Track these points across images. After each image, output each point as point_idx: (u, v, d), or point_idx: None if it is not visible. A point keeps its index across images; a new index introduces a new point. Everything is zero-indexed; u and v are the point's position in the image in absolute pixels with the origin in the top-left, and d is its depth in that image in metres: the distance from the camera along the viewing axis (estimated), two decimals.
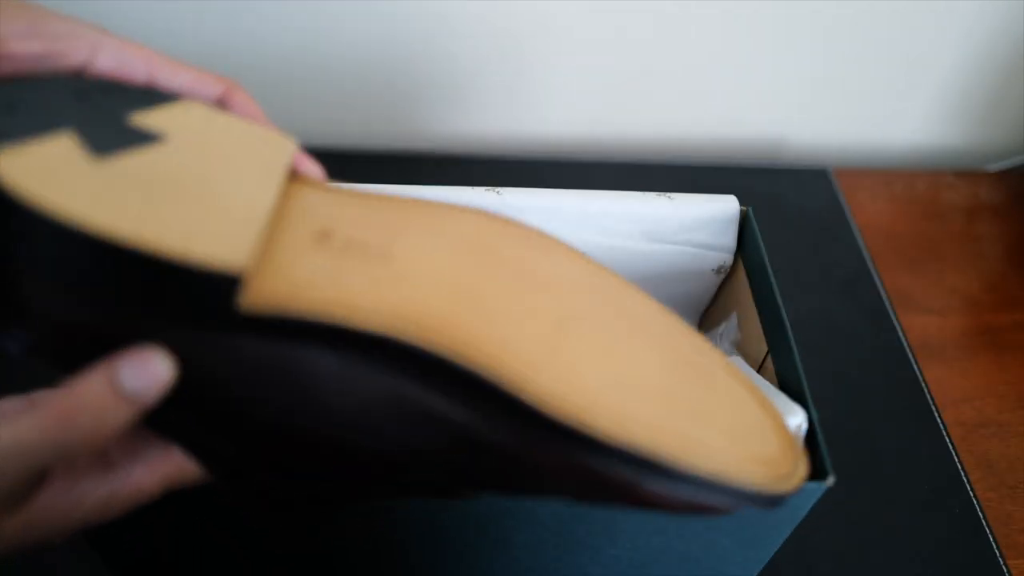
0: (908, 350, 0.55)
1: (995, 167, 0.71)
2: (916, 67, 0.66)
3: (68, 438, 0.22)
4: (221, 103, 0.30)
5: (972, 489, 0.48)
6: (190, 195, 0.25)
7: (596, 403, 0.25)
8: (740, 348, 0.46)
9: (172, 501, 0.27)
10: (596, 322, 0.28)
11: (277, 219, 0.26)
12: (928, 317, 0.58)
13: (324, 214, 0.28)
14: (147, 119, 0.26)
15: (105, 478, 0.25)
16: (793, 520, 0.36)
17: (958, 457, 0.49)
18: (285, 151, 0.28)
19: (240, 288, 0.23)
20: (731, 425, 0.28)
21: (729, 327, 0.48)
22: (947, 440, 0.50)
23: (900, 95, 0.68)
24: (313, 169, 0.30)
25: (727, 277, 0.49)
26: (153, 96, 0.28)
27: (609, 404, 0.25)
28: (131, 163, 0.25)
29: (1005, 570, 0.44)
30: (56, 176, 0.23)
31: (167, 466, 0.25)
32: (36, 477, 0.23)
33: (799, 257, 0.60)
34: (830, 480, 0.33)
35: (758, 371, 0.42)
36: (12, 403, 0.26)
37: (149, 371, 0.23)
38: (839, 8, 0.62)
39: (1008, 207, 0.67)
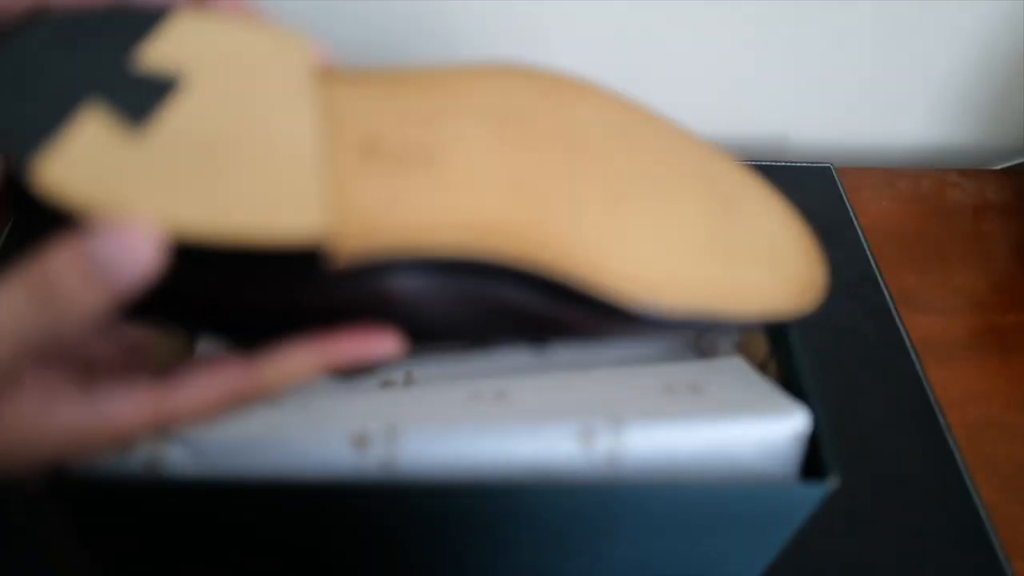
0: (912, 350, 0.55)
1: (1001, 165, 0.70)
2: (920, 65, 0.66)
3: (41, 321, 0.19)
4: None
5: (977, 491, 0.48)
6: (238, 154, 0.23)
7: (659, 278, 0.28)
8: (742, 348, 0.46)
9: (171, 502, 0.27)
10: (639, 174, 0.31)
11: (324, 146, 0.25)
12: (932, 317, 0.58)
13: (359, 119, 0.27)
14: (152, 57, 0.24)
15: (85, 401, 0.22)
16: (795, 521, 0.36)
17: (963, 459, 0.49)
18: (300, 55, 0.27)
19: (323, 250, 0.23)
20: (769, 254, 0.31)
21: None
22: (951, 441, 0.50)
23: (904, 93, 0.68)
24: (323, 53, 0.27)
25: None
26: (135, 22, 0.25)
27: (669, 272, 0.28)
28: (167, 130, 0.23)
29: (1010, 572, 0.44)
30: (106, 174, 0.21)
31: (157, 402, 0.23)
32: (20, 356, 0.20)
33: None
34: (833, 481, 0.33)
35: (761, 371, 0.42)
36: None
37: (127, 249, 0.19)
38: (843, 6, 0.62)
39: (1014, 206, 0.67)
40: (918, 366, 0.54)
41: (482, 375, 0.39)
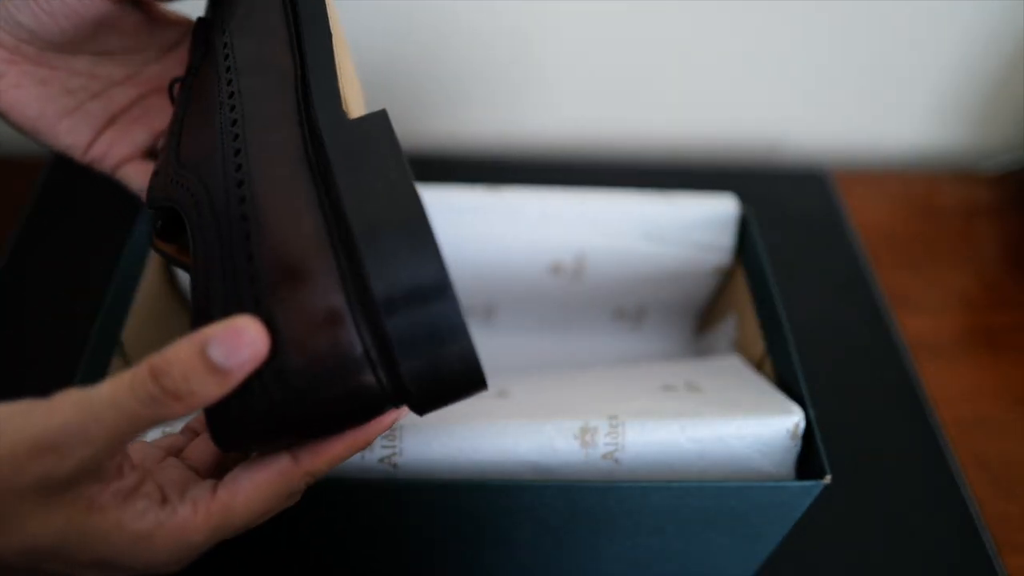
0: (905, 350, 0.55)
1: (992, 168, 0.71)
2: (914, 68, 0.67)
3: (153, 395, 0.22)
4: None
5: (968, 488, 0.48)
6: None
7: None
8: (739, 347, 0.46)
9: None
10: None
11: None
12: (925, 317, 0.59)
13: None
14: None
15: (155, 507, 0.24)
16: (791, 518, 0.36)
17: (954, 456, 0.50)
18: None
19: None
20: None
21: (728, 327, 0.49)
22: (943, 439, 0.50)
23: (898, 96, 0.69)
24: None
25: (726, 277, 0.50)
26: None
27: None
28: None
29: (1001, 568, 0.44)
30: None
31: (211, 505, 0.25)
32: (118, 447, 0.23)
33: (797, 258, 0.61)
34: (827, 478, 0.34)
35: (757, 370, 0.42)
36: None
37: (241, 342, 0.22)
38: (837, 10, 0.62)
39: (1005, 209, 0.68)
40: (910, 365, 0.54)
41: None
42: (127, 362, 0.40)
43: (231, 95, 0.29)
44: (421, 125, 0.68)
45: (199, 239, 0.26)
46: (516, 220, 0.46)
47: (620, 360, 0.53)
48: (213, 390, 0.22)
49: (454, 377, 0.24)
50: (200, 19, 0.34)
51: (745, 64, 0.65)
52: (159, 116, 0.36)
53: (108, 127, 0.35)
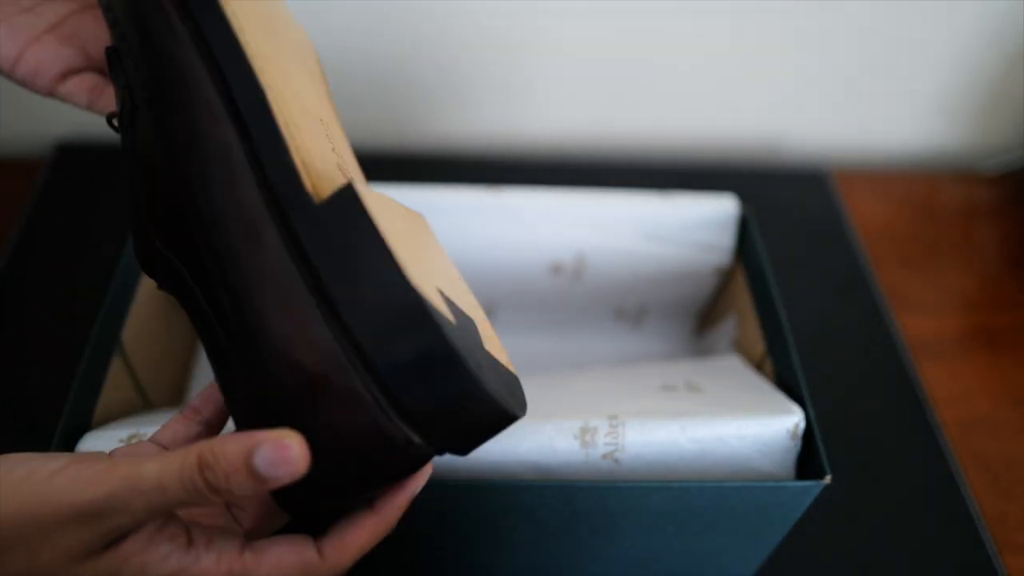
0: (905, 350, 0.55)
1: (992, 168, 0.71)
2: (914, 68, 0.67)
3: (197, 487, 0.23)
4: None
5: (968, 488, 0.48)
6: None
7: None
8: (739, 347, 0.46)
9: None
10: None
11: None
12: (925, 317, 0.59)
13: None
14: None
15: (180, 551, 0.25)
16: (791, 518, 0.36)
17: (954, 456, 0.50)
18: None
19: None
20: None
21: (728, 327, 0.49)
22: (943, 439, 0.50)
23: (898, 96, 0.69)
24: None
25: (726, 277, 0.50)
26: None
27: None
28: None
29: (1001, 568, 0.44)
30: None
31: (234, 564, 0.26)
32: (153, 518, 0.24)
33: (797, 257, 0.61)
34: (827, 478, 0.34)
35: (757, 370, 0.42)
36: (149, 447, 0.30)
37: (284, 458, 0.23)
38: (837, 10, 0.62)
39: (1005, 209, 0.68)
40: (910, 365, 0.54)
41: None
42: (127, 362, 0.40)
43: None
44: (422, 125, 0.68)
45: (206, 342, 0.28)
46: (516, 220, 0.46)
47: (620, 360, 0.53)
48: (247, 491, 0.24)
49: (486, 424, 0.26)
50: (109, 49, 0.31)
51: (745, 64, 0.65)
52: (91, 34, 0.35)
53: (35, 42, 0.35)
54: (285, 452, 0.23)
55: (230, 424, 0.32)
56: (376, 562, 0.39)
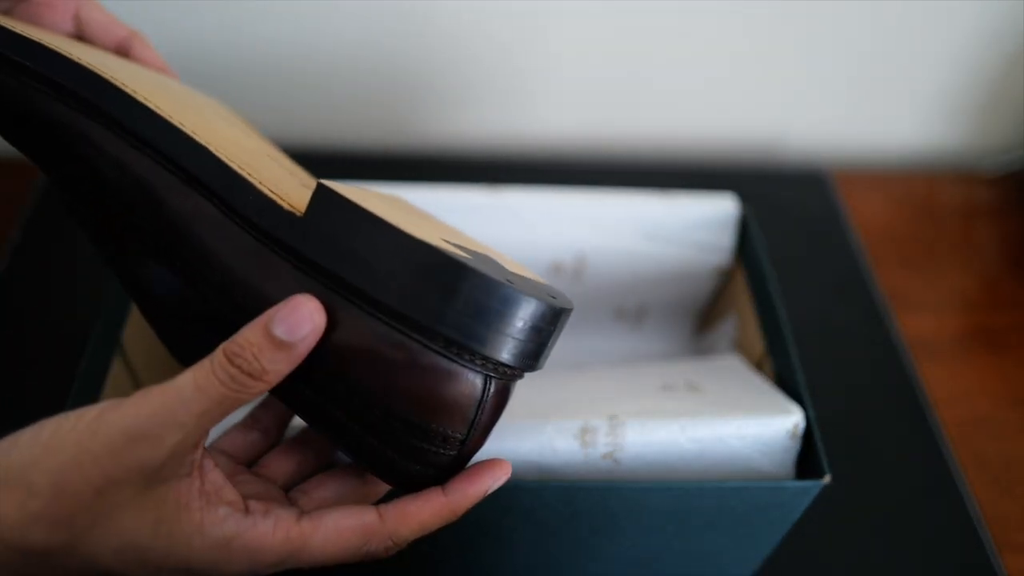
0: (905, 350, 0.55)
1: (992, 168, 0.71)
2: (914, 68, 0.67)
3: (233, 375, 0.24)
4: (121, 49, 0.33)
5: (968, 487, 0.48)
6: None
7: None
8: (739, 347, 0.46)
9: None
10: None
11: None
12: (925, 317, 0.59)
13: None
14: None
15: (238, 515, 0.25)
16: (791, 518, 0.36)
17: (954, 456, 0.50)
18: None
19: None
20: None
21: (728, 327, 0.49)
22: (943, 439, 0.50)
23: (898, 96, 0.69)
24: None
25: (726, 277, 0.50)
26: None
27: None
28: None
29: (1000, 568, 0.44)
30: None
31: (291, 530, 0.26)
32: (205, 430, 0.24)
33: (797, 257, 0.61)
34: (827, 478, 0.34)
35: (757, 370, 0.42)
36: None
37: (300, 317, 0.24)
38: (837, 10, 0.62)
39: (1005, 209, 0.68)
40: (910, 365, 0.54)
41: None
42: (127, 363, 0.40)
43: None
44: (422, 126, 0.68)
45: None
46: (516, 220, 0.46)
47: (620, 360, 0.53)
48: (283, 365, 0.24)
49: (543, 327, 0.26)
50: None
51: (745, 64, 0.65)
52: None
53: None
54: (298, 311, 0.24)
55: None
56: (376, 562, 0.39)
